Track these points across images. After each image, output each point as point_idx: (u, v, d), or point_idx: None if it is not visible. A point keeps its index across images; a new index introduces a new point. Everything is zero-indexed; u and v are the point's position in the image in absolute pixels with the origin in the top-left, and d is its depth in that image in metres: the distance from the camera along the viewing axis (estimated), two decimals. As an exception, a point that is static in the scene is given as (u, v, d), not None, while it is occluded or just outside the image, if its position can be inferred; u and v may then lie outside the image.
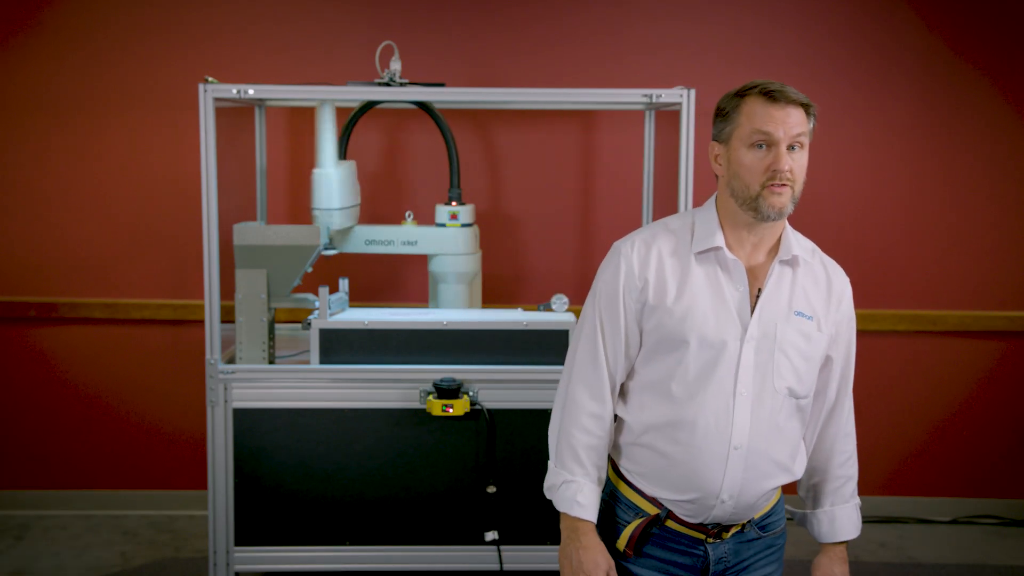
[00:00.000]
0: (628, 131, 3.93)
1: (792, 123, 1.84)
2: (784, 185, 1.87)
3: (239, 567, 3.21)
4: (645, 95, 3.13)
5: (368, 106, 3.48)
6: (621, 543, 1.96)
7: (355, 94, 3.24)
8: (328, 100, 3.34)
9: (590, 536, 1.94)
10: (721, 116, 1.91)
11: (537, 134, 3.98)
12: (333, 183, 3.35)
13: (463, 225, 3.51)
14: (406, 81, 3.29)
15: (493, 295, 3.93)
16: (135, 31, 3.89)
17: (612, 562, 1.94)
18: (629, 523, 1.95)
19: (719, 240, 1.91)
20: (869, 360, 4.08)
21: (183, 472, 4.07)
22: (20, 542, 3.80)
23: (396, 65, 3.27)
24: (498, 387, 3.13)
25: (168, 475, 4.09)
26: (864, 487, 4.15)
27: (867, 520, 4.08)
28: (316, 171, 3.36)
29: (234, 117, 3.51)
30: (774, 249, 1.96)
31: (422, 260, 3.88)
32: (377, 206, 3.95)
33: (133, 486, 4.10)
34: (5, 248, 3.98)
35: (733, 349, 1.87)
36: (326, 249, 3.43)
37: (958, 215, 4.02)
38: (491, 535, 3.20)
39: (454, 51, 3.94)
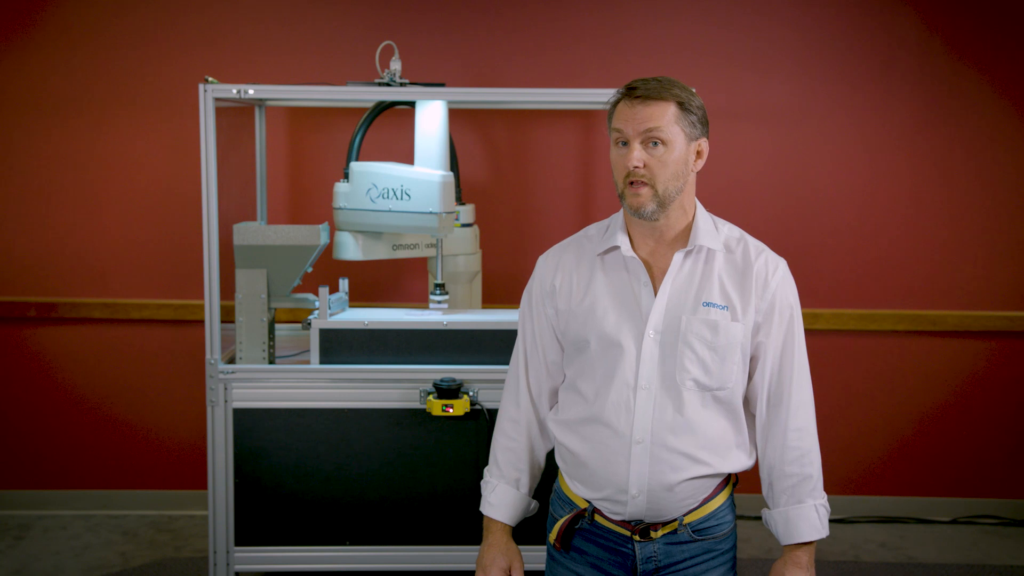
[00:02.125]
0: (628, 131, 3.93)
1: (643, 118, 1.85)
2: (641, 184, 1.86)
3: (239, 567, 3.21)
4: (645, 95, 3.12)
5: (381, 108, 3.43)
6: (551, 536, 2.02)
7: (355, 94, 3.24)
8: (328, 100, 3.32)
9: (496, 535, 2.06)
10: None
11: (537, 134, 3.98)
12: (452, 187, 3.25)
13: (463, 225, 3.51)
14: (406, 81, 3.28)
15: (493, 295, 3.93)
16: (135, 31, 3.89)
17: (516, 561, 2.04)
18: (562, 517, 2.01)
19: (619, 240, 1.95)
20: (869, 360, 4.09)
21: (183, 472, 4.07)
22: (20, 542, 3.80)
23: (396, 65, 3.27)
24: (498, 387, 3.13)
25: (168, 475, 4.09)
26: (864, 487, 4.18)
27: (867, 520, 4.09)
28: (436, 173, 3.22)
29: (234, 117, 3.51)
30: (683, 241, 1.95)
31: (422, 260, 3.88)
32: (377, 206, 3.95)
33: (133, 486, 4.10)
34: (5, 248, 3.98)
35: (633, 344, 1.89)
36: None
37: (958, 215, 4.02)
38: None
39: (454, 51, 3.94)
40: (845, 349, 4.08)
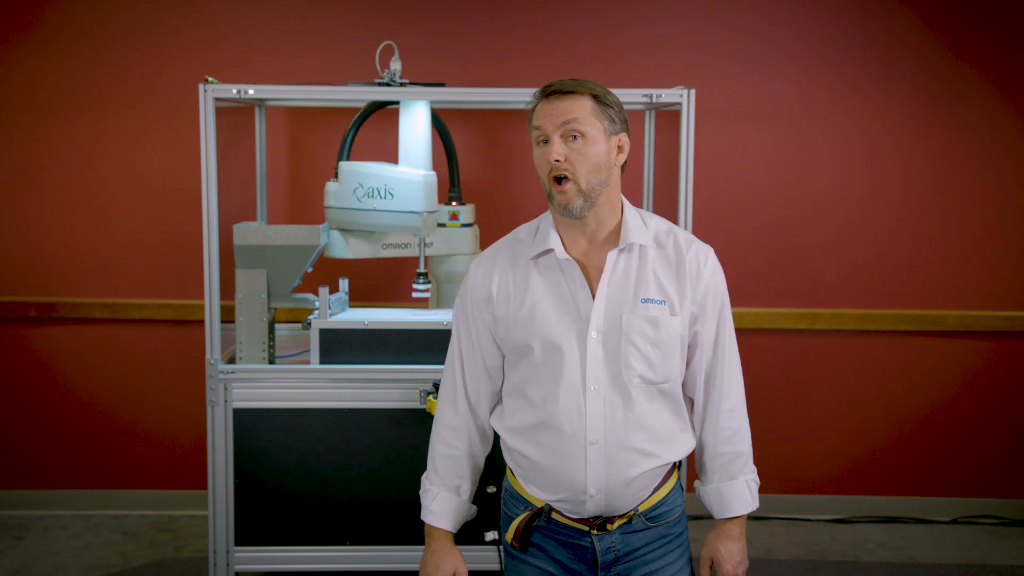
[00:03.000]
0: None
1: (560, 112, 1.87)
2: (564, 180, 1.88)
3: (239, 567, 3.21)
4: (645, 95, 3.13)
5: (374, 108, 3.46)
6: (509, 535, 2.03)
7: (355, 94, 3.24)
8: (328, 100, 3.33)
9: (439, 542, 2.06)
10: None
11: (537, 134, 3.98)
12: (434, 186, 3.30)
13: (463, 225, 3.51)
14: (406, 81, 3.28)
15: (493, 295, 3.93)
16: (135, 31, 3.89)
17: (460, 566, 2.05)
18: (518, 516, 2.02)
19: (552, 242, 1.95)
20: (869, 360, 4.09)
21: (183, 472, 4.07)
22: (20, 542, 3.80)
23: (396, 65, 3.27)
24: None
25: (168, 475, 4.09)
26: (864, 487, 4.18)
27: (867, 520, 4.09)
28: (418, 173, 3.27)
29: (234, 117, 3.51)
30: (615, 240, 1.96)
31: (422, 260, 3.88)
32: (377, 206, 3.95)
33: (133, 486, 4.10)
34: (5, 248, 3.98)
35: (577, 347, 1.90)
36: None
37: (958, 215, 4.02)
38: (491, 535, 3.19)
39: (454, 51, 3.94)
40: (845, 349, 4.08)
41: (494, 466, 3.17)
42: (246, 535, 3.19)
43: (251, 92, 3.08)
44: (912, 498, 4.16)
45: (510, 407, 2.01)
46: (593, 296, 1.92)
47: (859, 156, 4.00)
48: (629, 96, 3.18)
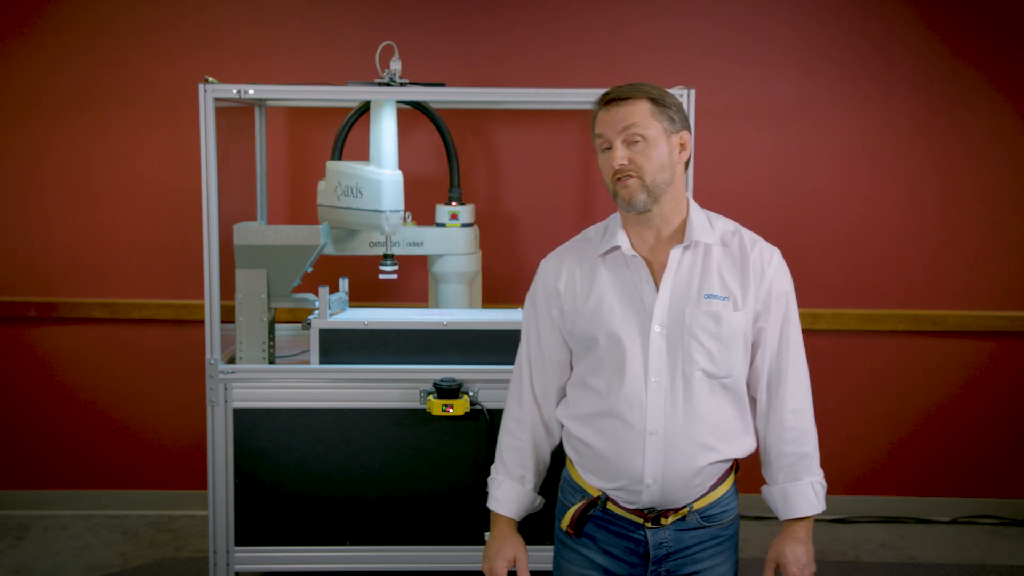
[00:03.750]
0: (628, 131, 3.94)
1: (620, 119, 1.96)
2: (629, 176, 1.94)
3: (239, 567, 3.21)
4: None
5: (366, 107, 3.48)
6: (564, 523, 2.07)
7: (355, 94, 3.24)
8: (328, 100, 3.33)
9: (501, 528, 2.13)
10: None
11: (537, 134, 3.98)
12: (399, 185, 3.32)
13: (463, 225, 3.51)
14: (406, 81, 3.29)
15: (493, 295, 3.93)
16: (135, 31, 3.89)
17: (520, 553, 2.11)
18: (574, 505, 2.06)
19: (619, 239, 2.01)
20: (869, 360, 4.09)
21: (183, 472, 4.07)
22: (20, 542, 3.80)
23: (396, 65, 3.27)
24: (498, 387, 3.13)
25: (168, 475, 4.09)
26: (864, 487, 4.18)
27: (867, 520, 4.09)
28: (387, 172, 3.29)
29: (234, 117, 3.51)
30: (680, 237, 2.02)
31: (422, 260, 3.88)
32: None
33: (133, 486, 4.10)
34: (5, 248, 3.98)
35: (640, 339, 1.96)
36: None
37: (958, 214, 4.02)
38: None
39: (454, 51, 3.94)
40: (845, 349, 4.08)
41: (494, 466, 3.18)
42: (246, 535, 3.19)
43: (251, 92, 3.08)
44: (912, 498, 4.16)
45: (574, 397, 2.07)
46: (657, 291, 1.97)
47: (859, 156, 4.00)
48: (629, 96, 3.18)
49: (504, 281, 3.99)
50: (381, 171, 3.29)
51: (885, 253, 4.04)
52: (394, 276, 3.40)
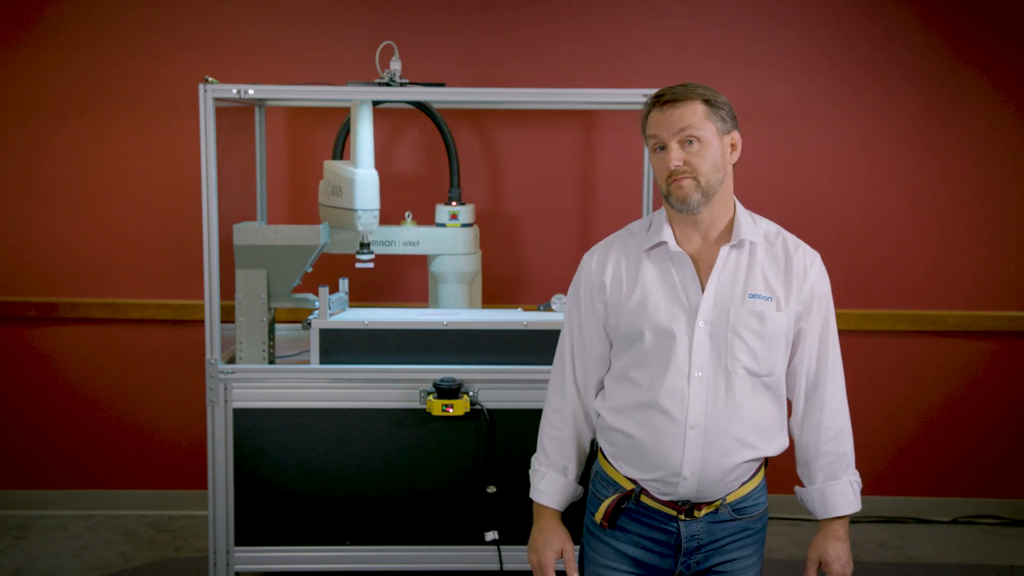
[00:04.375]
0: (628, 131, 3.94)
1: (675, 120, 1.98)
2: (684, 176, 1.97)
3: (239, 567, 3.21)
4: (645, 95, 3.13)
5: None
6: (598, 516, 2.09)
7: (355, 94, 3.24)
8: (328, 100, 3.34)
9: (546, 519, 2.14)
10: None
11: (537, 134, 3.98)
12: (377, 184, 3.36)
13: (463, 225, 3.51)
14: (406, 81, 3.29)
15: (493, 295, 3.93)
16: (135, 31, 3.89)
17: (567, 544, 2.12)
18: (607, 497, 2.08)
19: (665, 235, 2.04)
20: (869, 360, 4.09)
21: (183, 472, 4.07)
22: (20, 542, 3.80)
23: (396, 65, 3.27)
24: (498, 387, 3.13)
25: (168, 475, 4.09)
26: (864, 487, 4.16)
27: (867, 520, 4.09)
28: (360, 171, 3.32)
29: (234, 117, 3.51)
30: (727, 237, 2.05)
31: (422, 260, 3.88)
32: (377, 206, 3.95)
33: (133, 486, 4.10)
34: (5, 248, 3.98)
35: (686, 335, 1.98)
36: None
37: (958, 215, 4.02)
38: (491, 535, 3.20)
39: (454, 51, 3.94)
40: (845, 349, 4.02)
41: (494, 465, 3.18)
42: (246, 535, 3.19)
43: (251, 92, 3.08)
44: (912, 498, 4.16)
45: (613, 390, 2.08)
46: (703, 289, 2.00)
47: (859, 156, 4.00)
48: (629, 96, 3.19)
49: (504, 281, 3.99)
50: (356, 170, 3.32)
51: (885, 253, 4.04)
52: (370, 265, 3.44)
